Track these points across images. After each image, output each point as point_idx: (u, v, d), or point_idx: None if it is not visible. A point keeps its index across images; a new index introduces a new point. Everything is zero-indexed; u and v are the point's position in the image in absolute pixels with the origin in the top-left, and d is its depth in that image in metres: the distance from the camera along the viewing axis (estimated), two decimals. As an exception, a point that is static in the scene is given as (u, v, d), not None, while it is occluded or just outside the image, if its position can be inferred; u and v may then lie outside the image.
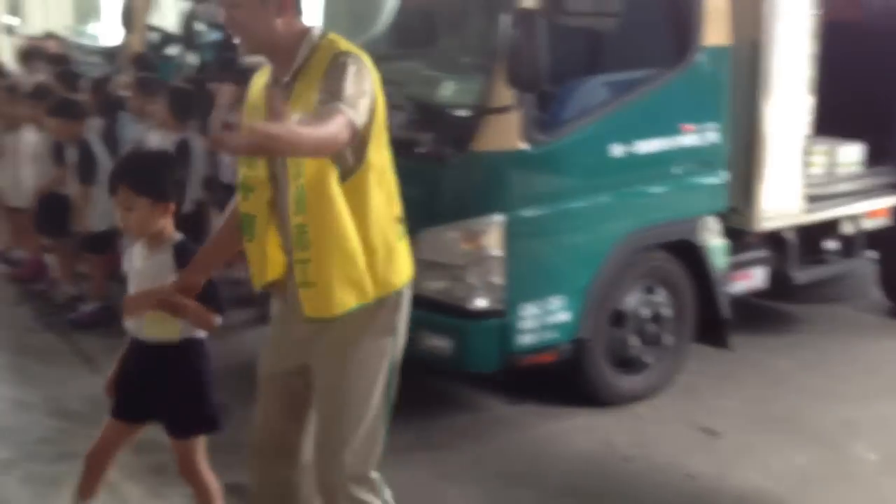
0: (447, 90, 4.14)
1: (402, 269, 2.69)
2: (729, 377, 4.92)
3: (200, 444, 3.07)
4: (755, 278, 5.02)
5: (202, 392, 3.01)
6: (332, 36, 2.60)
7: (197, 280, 2.82)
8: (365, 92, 2.47)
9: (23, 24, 10.26)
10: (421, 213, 4.00)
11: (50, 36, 10.59)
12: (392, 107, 3.99)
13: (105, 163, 5.47)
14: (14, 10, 10.04)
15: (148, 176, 2.86)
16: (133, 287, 2.93)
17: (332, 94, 2.40)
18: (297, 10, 2.58)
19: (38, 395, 4.47)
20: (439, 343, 4.03)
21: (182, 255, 2.87)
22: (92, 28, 9.05)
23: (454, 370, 4.26)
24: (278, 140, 2.16)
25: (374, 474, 2.72)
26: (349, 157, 2.50)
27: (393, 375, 2.71)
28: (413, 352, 3.99)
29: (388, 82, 4.16)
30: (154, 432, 4.13)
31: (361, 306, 2.57)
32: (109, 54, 8.14)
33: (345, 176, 2.50)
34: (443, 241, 3.98)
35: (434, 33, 5.79)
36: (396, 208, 2.68)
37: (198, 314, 2.81)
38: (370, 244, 2.56)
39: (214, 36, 7.77)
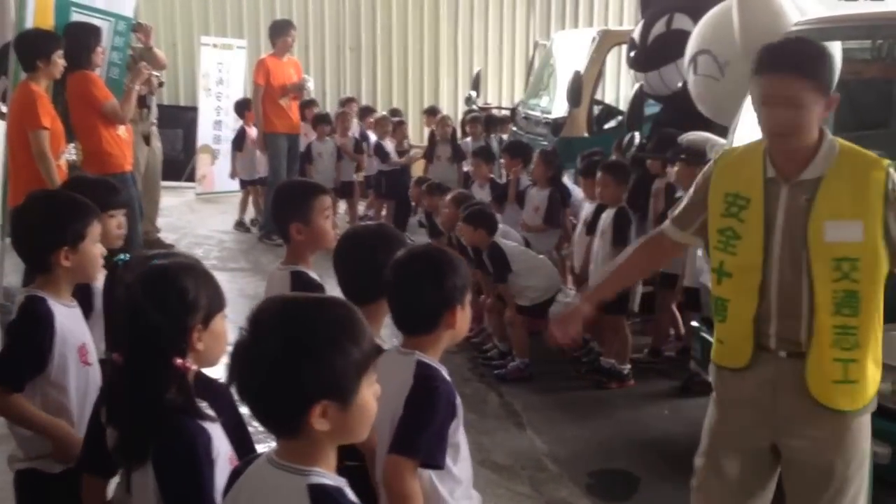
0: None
1: None
2: None
3: None
4: None
5: None
6: (840, 139, 2.75)
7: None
8: None
9: (479, 96, 11.24)
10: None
11: (499, 107, 11.63)
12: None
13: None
14: (475, 84, 11.09)
15: None
16: None
17: None
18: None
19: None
20: (878, 450, 3.78)
21: None
22: (541, 102, 9.65)
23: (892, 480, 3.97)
24: None
25: None
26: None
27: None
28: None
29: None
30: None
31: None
32: (555, 127, 8.63)
33: None
34: (891, 342, 3.75)
35: (885, 114, 5.52)
36: None
37: None
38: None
39: (652, 110, 7.99)
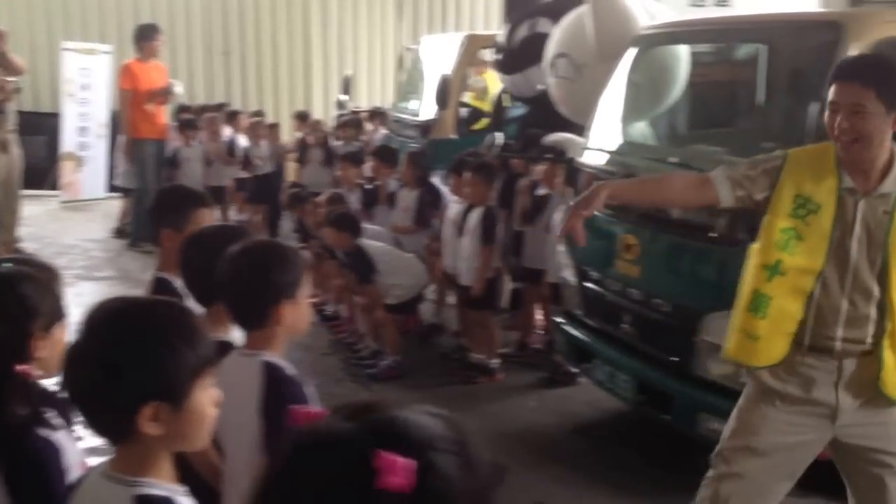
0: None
1: None
2: None
3: None
4: None
5: None
6: None
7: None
8: None
9: (350, 100, 11.27)
10: (707, 296, 4.03)
11: (368, 110, 11.67)
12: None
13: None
14: (345, 88, 11.12)
15: None
16: None
17: None
18: None
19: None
20: (720, 427, 3.98)
21: None
22: (410, 104, 9.73)
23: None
24: None
25: None
26: None
27: None
28: (691, 432, 4.02)
29: (683, 165, 4.28)
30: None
31: None
32: (424, 129, 8.73)
33: None
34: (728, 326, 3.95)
35: (729, 114, 5.78)
36: None
37: None
38: None
39: (518, 111, 8.17)
